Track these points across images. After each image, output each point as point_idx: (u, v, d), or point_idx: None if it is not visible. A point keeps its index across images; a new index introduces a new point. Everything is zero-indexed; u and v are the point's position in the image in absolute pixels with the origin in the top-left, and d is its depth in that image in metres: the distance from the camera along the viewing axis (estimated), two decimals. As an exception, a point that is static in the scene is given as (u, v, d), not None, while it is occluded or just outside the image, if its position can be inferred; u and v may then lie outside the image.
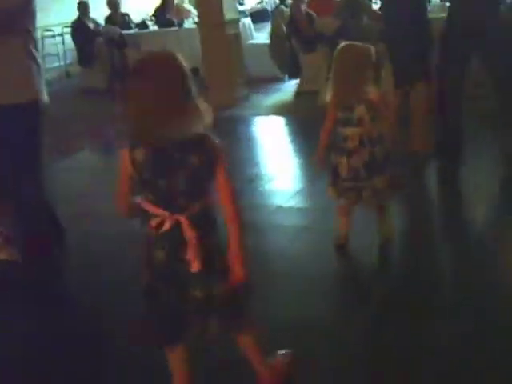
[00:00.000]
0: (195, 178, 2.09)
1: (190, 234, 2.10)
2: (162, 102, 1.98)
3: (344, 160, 3.38)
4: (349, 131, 3.35)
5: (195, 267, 2.12)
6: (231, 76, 7.79)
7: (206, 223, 2.15)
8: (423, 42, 4.95)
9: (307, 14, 7.83)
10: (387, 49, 5.10)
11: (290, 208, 4.38)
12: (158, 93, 1.97)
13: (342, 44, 3.40)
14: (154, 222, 2.12)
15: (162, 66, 2.03)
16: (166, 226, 2.11)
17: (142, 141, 2.06)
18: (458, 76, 4.72)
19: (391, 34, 5.06)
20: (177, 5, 10.43)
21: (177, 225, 2.10)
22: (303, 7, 7.89)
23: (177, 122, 2.00)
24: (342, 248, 3.61)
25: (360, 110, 3.29)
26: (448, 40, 4.76)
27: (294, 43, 8.02)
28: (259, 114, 7.45)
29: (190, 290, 2.15)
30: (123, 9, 10.42)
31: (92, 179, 5.69)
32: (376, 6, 7.48)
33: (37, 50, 3.43)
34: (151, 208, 2.12)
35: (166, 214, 2.10)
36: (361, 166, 3.35)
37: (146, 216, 2.15)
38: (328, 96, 3.39)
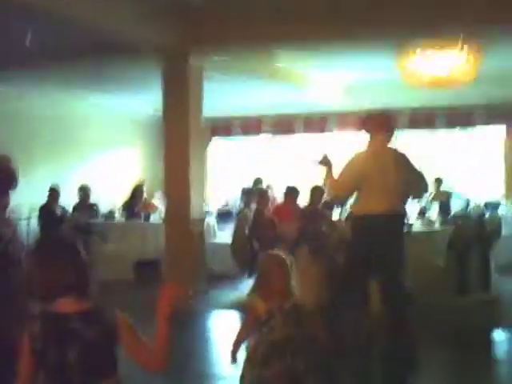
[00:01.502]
0: (95, 350, 2.04)
1: None
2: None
3: (256, 371, 3.27)
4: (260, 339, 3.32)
5: None
6: (191, 271, 7.90)
7: None
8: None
9: (269, 219, 8.17)
10: None
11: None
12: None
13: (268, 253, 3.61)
14: None
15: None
16: None
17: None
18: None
19: None
20: (145, 199, 10.79)
21: None
22: (266, 212, 8.26)
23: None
24: None
25: (276, 319, 3.30)
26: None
27: (255, 245, 8.27)
28: (215, 309, 7.52)
29: None
30: (94, 196, 10.69)
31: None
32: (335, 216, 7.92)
33: None
34: None
35: None
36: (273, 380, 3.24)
37: None
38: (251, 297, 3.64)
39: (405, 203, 5.43)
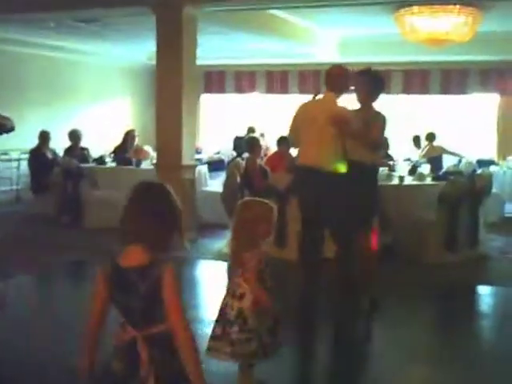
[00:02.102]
0: (149, 301, 2.21)
1: (143, 352, 2.20)
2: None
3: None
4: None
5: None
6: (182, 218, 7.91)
7: (164, 346, 2.23)
8: None
9: (261, 168, 8.14)
10: None
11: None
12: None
13: (244, 199, 3.79)
14: (116, 334, 2.29)
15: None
16: (124, 339, 2.25)
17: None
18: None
19: None
20: (136, 145, 10.72)
21: (134, 341, 2.23)
22: (258, 162, 8.22)
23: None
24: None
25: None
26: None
27: (246, 195, 8.26)
28: (205, 258, 7.54)
29: None
30: (84, 143, 10.65)
31: (27, 305, 5.59)
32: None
33: None
34: (122, 321, 2.29)
35: (127, 328, 2.25)
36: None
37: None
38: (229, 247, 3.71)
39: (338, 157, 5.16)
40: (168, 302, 2.21)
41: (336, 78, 5.29)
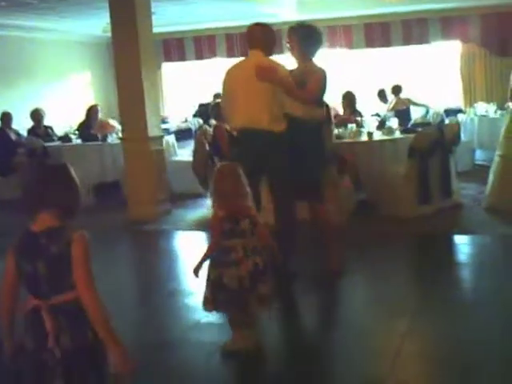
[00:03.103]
0: (58, 264, 2.23)
1: (48, 323, 2.21)
2: None
3: (231, 271, 3.58)
4: (232, 243, 3.61)
5: (56, 355, 2.20)
6: (153, 191, 7.85)
7: (72, 316, 2.24)
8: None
9: (229, 134, 8.04)
10: None
11: (209, 324, 4.33)
12: None
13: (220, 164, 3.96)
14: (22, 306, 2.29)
15: None
16: (27, 310, 2.27)
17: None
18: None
19: None
20: (101, 120, 10.54)
21: (38, 311, 2.23)
22: (225, 127, 8.11)
23: None
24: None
25: (245, 223, 3.61)
26: None
27: (216, 161, 8.18)
28: (180, 229, 7.47)
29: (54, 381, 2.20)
30: (46, 121, 10.45)
31: None
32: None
33: None
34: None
35: (30, 299, 2.27)
36: (246, 275, 3.57)
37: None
38: (212, 211, 3.76)
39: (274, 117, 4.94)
40: (76, 264, 2.23)
41: (257, 35, 5.08)
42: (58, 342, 2.21)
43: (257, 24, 5.21)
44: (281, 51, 6.10)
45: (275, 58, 5.20)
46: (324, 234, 5.34)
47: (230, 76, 5.14)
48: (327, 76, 5.17)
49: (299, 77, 5.09)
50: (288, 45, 5.28)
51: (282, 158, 4.98)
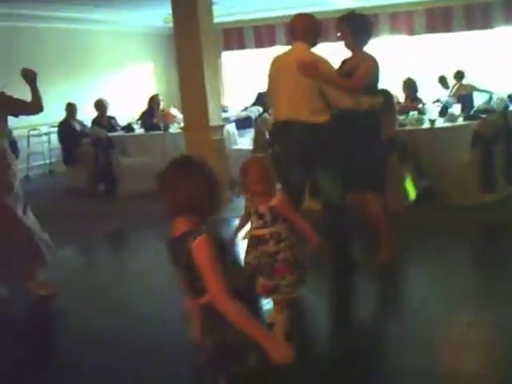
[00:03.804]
0: (189, 272, 2.24)
1: (196, 324, 2.34)
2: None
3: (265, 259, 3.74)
4: (261, 232, 3.79)
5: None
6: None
7: (213, 317, 2.23)
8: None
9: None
10: None
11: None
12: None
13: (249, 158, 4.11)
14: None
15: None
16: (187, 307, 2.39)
17: None
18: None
19: None
20: (163, 109, 10.70)
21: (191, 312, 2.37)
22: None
23: None
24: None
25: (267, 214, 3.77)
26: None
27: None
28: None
29: None
30: (110, 112, 10.67)
31: (70, 277, 5.72)
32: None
33: None
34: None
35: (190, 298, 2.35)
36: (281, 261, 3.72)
37: None
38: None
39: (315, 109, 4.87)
40: (202, 272, 2.18)
41: (300, 25, 5.07)
42: (207, 340, 2.29)
43: (300, 14, 5.20)
44: (332, 40, 6.07)
45: (326, 46, 5.19)
46: (375, 224, 5.31)
47: (274, 67, 5.14)
48: (378, 64, 5.11)
49: (350, 66, 5.09)
50: (338, 34, 5.23)
51: (325, 148, 4.95)
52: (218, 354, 2.27)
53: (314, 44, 5.07)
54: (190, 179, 2.28)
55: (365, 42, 5.20)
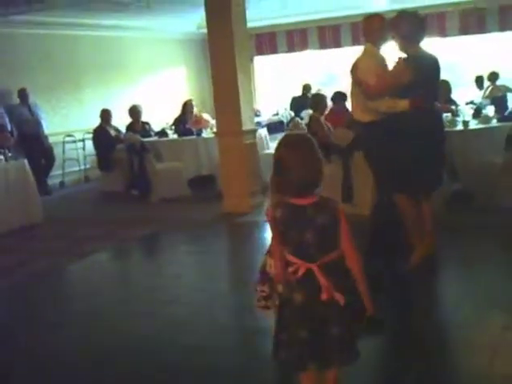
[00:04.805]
0: (325, 232, 2.51)
1: (322, 279, 2.50)
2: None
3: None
4: None
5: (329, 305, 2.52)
6: (247, 184, 7.99)
7: (337, 271, 2.54)
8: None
9: (324, 125, 8.05)
10: None
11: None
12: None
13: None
14: (291, 269, 2.56)
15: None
16: (300, 272, 2.53)
17: (281, 202, 2.58)
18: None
19: None
20: (196, 115, 10.79)
21: (310, 272, 2.52)
22: (322, 120, 8.11)
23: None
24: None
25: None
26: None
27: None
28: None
29: (327, 327, 2.52)
30: (144, 117, 10.79)
31: (104, 281, 5.82)
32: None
33: None
34: (289, 257, 2.57)
35: (300, 262, 2.54)
36: None
37: (286, 264, 2.60)
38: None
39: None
40: (344, 230, 2.53)
41: (370, 27, 5.19)
42: (331, 294, 2.50)
43: (369, 16, 5.32)
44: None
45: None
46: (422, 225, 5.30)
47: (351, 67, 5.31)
48: (415, 63, 4.96)
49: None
50: (392, 33, 5.17)
51: (372, 146, 5.15)
52: (346, 305, 2.53)
53: (380, 44, 5.23)
54: (319, 156, 2.57)
55: (418, 42, 5.08)
